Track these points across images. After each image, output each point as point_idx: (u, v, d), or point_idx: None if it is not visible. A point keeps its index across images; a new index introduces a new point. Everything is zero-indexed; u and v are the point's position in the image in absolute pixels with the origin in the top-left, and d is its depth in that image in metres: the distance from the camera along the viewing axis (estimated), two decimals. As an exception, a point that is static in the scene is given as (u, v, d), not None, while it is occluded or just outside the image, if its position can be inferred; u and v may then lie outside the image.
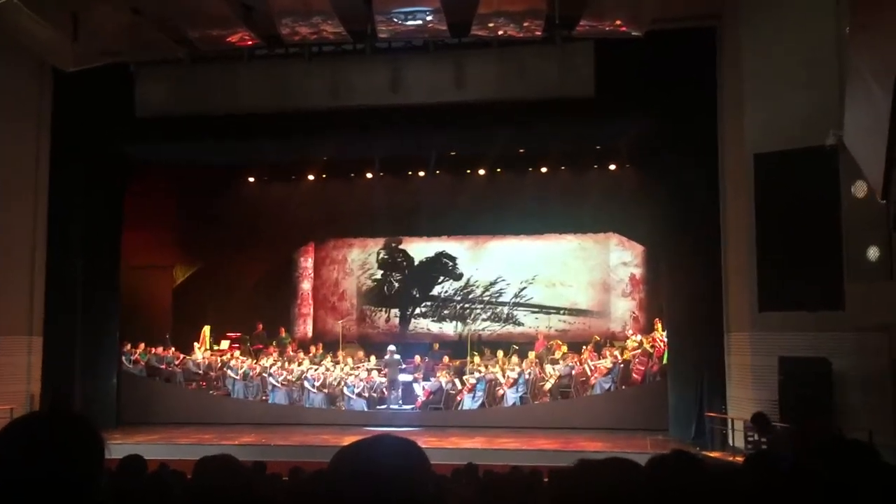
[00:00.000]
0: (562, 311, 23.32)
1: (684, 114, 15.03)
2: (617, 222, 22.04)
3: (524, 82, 14.82)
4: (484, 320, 23.75)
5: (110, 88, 16.06)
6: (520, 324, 23.43)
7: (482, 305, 23.83)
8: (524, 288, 23.47)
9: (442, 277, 24.23)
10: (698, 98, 14.89)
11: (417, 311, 24.34)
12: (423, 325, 24.20)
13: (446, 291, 24.17)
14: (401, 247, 24.52)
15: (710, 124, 14.75)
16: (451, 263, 24.21)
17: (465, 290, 23.98)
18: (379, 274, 24.67)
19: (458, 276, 24.09)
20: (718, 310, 14.49)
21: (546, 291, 23.43)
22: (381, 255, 24.69)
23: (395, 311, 24.46)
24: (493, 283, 23.73)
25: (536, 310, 23.40)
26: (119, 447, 12.35)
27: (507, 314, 23.60)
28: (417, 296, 24.40)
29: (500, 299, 23.71)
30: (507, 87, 14.93)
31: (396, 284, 24.60)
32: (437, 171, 21.68)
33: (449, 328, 23.93)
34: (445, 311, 24.12)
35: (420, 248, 24.45)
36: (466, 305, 23.94)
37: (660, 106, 15.11)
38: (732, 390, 14.22)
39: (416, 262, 24.47)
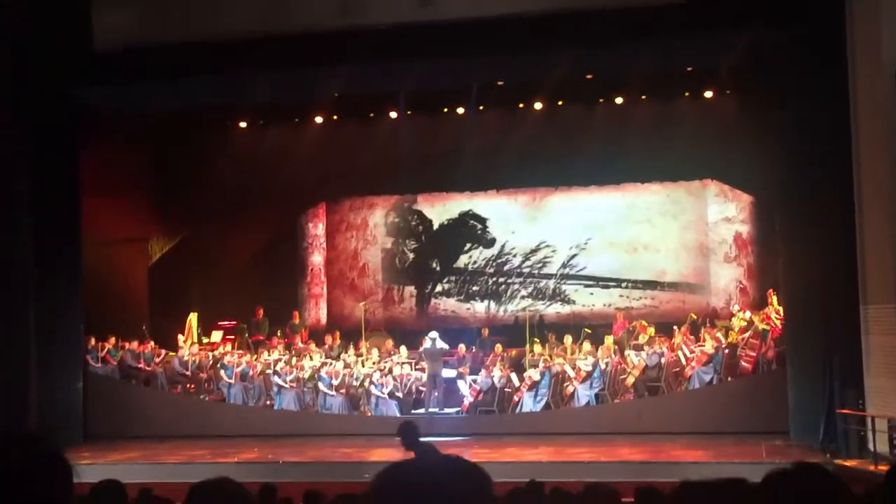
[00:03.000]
0: (639, 285, 23.24)
1: (803, 20, 14.77)
2: (716, 166, 21.83)
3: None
4: (524, 297, 23.98)
5: (60, 16, 16.11)
6: (570, 301, 23.62)
7: (521, 279, 24.07)
8: (574, 255, 23.56)
9: (468, 244, 24.41)
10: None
11: (439, 288, 24.59)
12: (447, 305, 24.44)
13: (475, 262, 24.34)
14: (415, 207, 24.73)
15: (838, 33, 14.46)
16: (479, 226, 24.36)
17: (498, 261, 24.24)
18: (389, 242, 24.86)
19: (490, 243, 24.32)
20: (853, 275, 14.31)
21: (622, 259, 23.34)
22: (390, 219, 24.87)
23: (410, 289, 24.71)
24: (535, 250, 23.89)
25: (593, 282, 23.50)
26: (89, 469, 12.57)
27: (554, 288, 23.73)
28: (438, 269, 24.61)
29: (546, 270, 23.93)
30: (569, -7, 14.78)
31: (411, 255, 24.80)
32: (480, 107, 21.55)
33: (480, 308, 24.20)
34: (475, 288, 24.29)
35: (440, 209, 24.67)
36: (501, 280, 24.23)
37: (769, 11, 14.85)
38: (872, 380, 14.10)
39: (434, 227, 24.65)
